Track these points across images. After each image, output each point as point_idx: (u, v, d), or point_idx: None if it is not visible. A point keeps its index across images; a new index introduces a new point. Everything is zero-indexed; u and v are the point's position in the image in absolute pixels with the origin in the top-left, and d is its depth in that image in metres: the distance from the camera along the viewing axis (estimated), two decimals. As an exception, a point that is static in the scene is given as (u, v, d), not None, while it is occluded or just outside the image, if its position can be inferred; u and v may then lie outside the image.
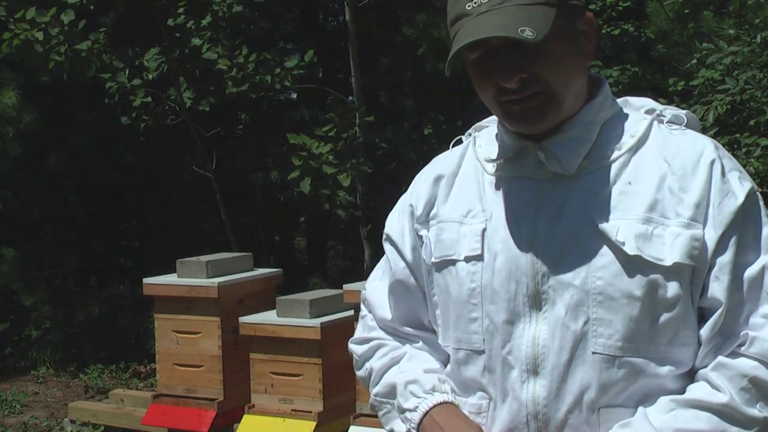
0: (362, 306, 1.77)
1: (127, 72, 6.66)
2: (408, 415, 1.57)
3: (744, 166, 3.78)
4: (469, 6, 1.42)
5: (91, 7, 6.50)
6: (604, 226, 1.43)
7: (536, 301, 1.46)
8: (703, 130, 4.15)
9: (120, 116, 7.03)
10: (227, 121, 8.24)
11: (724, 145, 4.17)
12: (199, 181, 7.63)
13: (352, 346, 1.73)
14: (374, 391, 1.65)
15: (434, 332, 1.65)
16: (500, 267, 1.48)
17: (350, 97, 6.94)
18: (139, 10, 7.01)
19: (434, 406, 1.54)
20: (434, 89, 8.17)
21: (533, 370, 1.45)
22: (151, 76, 6.76)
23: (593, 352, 1.42)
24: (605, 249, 1.43)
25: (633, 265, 1.42)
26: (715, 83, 4.46)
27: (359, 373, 1.72)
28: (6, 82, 7.11)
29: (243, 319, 4.33)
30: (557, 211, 1.47)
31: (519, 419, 1.46)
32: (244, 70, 6.35)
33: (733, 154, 3.97)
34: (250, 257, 4.87)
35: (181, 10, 6.66)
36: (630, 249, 1.41)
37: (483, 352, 1.49)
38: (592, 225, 1.44)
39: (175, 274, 4.63)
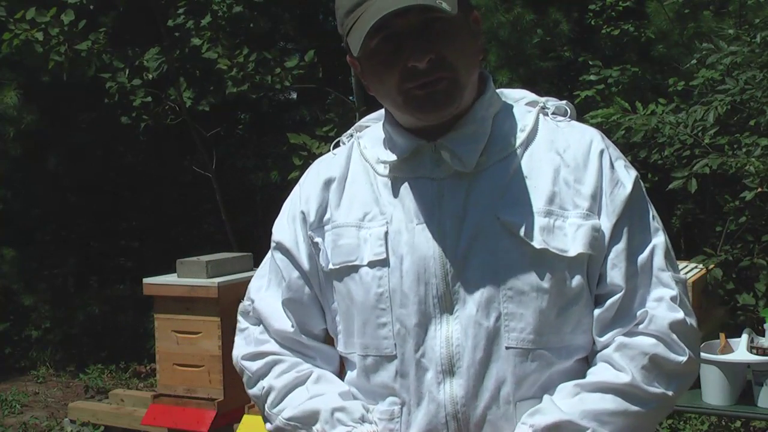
0: (242, 319, 1.67)
1: (127, 72, 6.66)
2: None
3: (744, 166, 3.80)
4: None
5: (91, 7, 6.51)
6: (509, 221, 1.44)
7: (447, 302, 1.45)
8: (703, 130, 4.17)
9: (120, 116, 7.03)
10: (227, 121, 8.23)
11: (724, 145, 4.19)
12: (199, 181, 7.62)
13: (244, 363, 1.63)
14: (286, 414, 1.55)
15: (326, 342, 1.61)
16: (408, 270, 1.46)
17: (350, 97, 6.94)
18: (139, 10, 7.01)
19: None
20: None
21: (449, 370, 1.44)
22: (151, 76, 6.77)
23: (507, 347, 1.43)
24: (512, 244, 1.44)
25: (540, 258, 1.44)
26: (715, 83, 4.46)
27: (252, 391, 1.63)
28: (6, 82, 7.10)
29: (243, 319, 4.31)
30: (461, 210, 1.46)
31: (438, 420, 1.45)
32: (244, 70, 6.35)
33: (733, 154, 3.97)
34: (250, 257, 4.87)
35: (181, 10, 6.66)
36: (537, 243, 1.43)
37: (395, 357, 1.47)
38: (497, 221, 1.44)
39: (175, 274, 4.63)
